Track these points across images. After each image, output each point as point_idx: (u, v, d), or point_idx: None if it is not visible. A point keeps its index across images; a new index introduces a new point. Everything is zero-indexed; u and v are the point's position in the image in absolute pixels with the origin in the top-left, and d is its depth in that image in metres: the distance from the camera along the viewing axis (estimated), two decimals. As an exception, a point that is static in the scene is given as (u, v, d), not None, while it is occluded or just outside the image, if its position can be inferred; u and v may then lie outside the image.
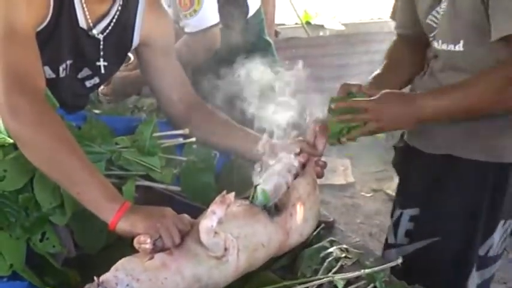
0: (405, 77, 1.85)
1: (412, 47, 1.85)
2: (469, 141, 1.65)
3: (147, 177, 1.64)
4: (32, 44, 1.46)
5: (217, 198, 1.28)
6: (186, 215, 1.39)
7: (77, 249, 1.51)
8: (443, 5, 1.60)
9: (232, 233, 1.33)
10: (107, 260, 1.26)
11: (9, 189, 1.38)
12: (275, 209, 1.49)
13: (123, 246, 1.46)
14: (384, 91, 1.58)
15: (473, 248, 1.70)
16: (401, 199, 1.88)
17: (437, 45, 1.64)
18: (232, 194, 1.29)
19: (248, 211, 1.43)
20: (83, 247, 1.51)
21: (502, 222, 1.69)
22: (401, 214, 1.84)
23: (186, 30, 2.40)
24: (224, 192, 1.29)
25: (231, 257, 1.31)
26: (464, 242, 1.69)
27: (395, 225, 1.84)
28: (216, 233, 1.26)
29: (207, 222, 1.25)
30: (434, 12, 1.63)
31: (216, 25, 2.43)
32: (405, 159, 1.88)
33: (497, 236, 1.70)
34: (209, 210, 1.27)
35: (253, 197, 1.46)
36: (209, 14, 2.39)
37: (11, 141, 1.43)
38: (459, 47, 1.58)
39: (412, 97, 1.61)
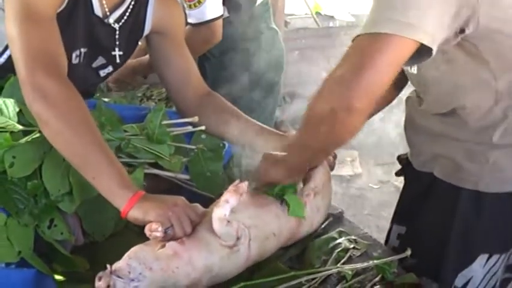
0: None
1: None
2: (445, 161, 1.58)
3: (155, 165, 1.64)
4: (53, 25, 1.45)
5: (231, 187, 1.28)
6: (198, 205, 1.39)
7: (85, 237, 1.51)
8: None
9: (244, 223, 1.34)
10: (115, 248, 1.26)
11: (18, 176, 1.38)
12: None
13: (131, 233, 1.47)
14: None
15: (445, 278, 1.61)
16: (395, 213, 1.84)
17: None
18: (246, 183, 1.29)
19: (260, 201, 1.44)
20: (91, 234, 1.52)
21: (484, 256, 1.58)
22: (391, 229, 1.81)
23: (189, 21, 2.40)
24: (237, 181, 1.29)
25: (243, 246, 1.31)
26: (434, 269, 1.61)
27: (386, 240, 1.80)
28: (228, 222, 1.27)
29: (220, 210, 1.26)
30: None
31: (218, 18, 2.42)
32: (404, 171, 1.83)
33: (478, 269, 1.60)
34: (222, 199, 1.27)
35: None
36: (213, 6, 2.39)
37: (20, 127, 1.43)
38: (413, 70, 1.52)
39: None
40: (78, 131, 1.34)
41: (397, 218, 1.81)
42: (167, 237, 1.28)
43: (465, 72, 1.41)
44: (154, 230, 1.26)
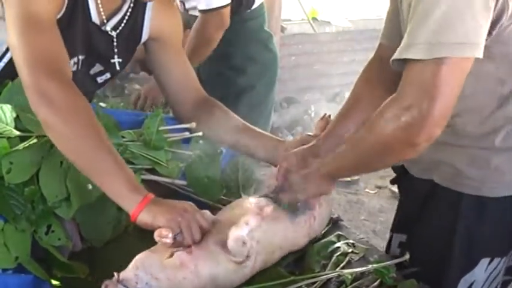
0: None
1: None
2: (445, 168, 1.58)
3: (153, 171, 1.63)
4: (55, 29, 1.45)
5: (254, 209, 1.28)
6: (208, 212, 1.39)
7: (83, 242, 1.51)
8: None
9: (254, 237, 1.33)
10: (115, 253, 1.26)
11: (15, 182, 1.37)
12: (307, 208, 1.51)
13: (130, 238, 1.47)
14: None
15: (449, 284, 1.61)
16: (394, 221, 1.84)
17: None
18: (271, 208, 1.29)
19: (271, 214, 1.42)
20: (90, 240, 1.51)
21: (485, 260, 1.58)
22: (391, 237, 1.80)
23: (199, 7, 2.48)
24: (262, 200, 1.28)
25: (250, 262, 1.31)
26: (437, 275, 1.61)
27: (387, 248, 1.80)
28: (244, 243, 1.27)
29: (239, 231, 1.26)
30: None
31: (227, 5, 2.48)
32: (400, 179, 1.82)
33: (480, 273, 1.60)
34: (243, 219, 1.28)
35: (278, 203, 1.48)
36: None
37: (17, 133, 1.43)
38: None
39: (315, 170, 1.50)
40: (85, 135, 1.34)
41: (396, 227, 1.81)
42: (176, 244, 1.27)
43: (471, 77, 1.42)
44: (165, 236, 1.25)
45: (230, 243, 1.26)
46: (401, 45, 1.30)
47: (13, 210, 1.37)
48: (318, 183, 1.49)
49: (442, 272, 1.61)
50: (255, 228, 1.34)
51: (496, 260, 1.60)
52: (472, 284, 1.61)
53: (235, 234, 1.25)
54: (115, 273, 1.18)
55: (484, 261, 1.59)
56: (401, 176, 1.78)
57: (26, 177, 1.39)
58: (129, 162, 1.59)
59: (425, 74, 1.26)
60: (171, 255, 1.26)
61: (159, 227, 1.28)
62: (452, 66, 1.24)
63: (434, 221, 1.64)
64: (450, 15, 1.23)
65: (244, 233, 1.26)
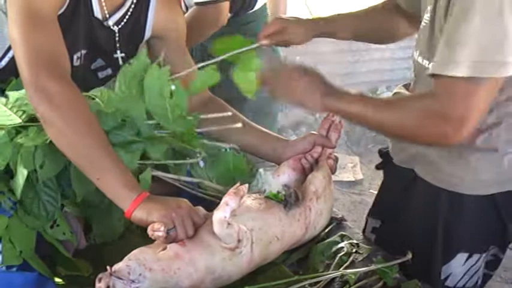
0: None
1: (400, 16, 1.83)
2: (425, 161, 1.60)
3: (158, 168, 1.62)
4: (55, 26, 1.46)
5: (231, 190, 1.28)
6: (201, 208, 1.40)
7: (87, 240, 1.51)
8: (426, 16, 1.51)
9: (246, 226, 1.34)
10: (118, 251, 1.27)
11: (49, 176, 1.40)
12: (295, 200, 1.49)
13: (134, 236, 1.47)
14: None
15: (431, 274, 1.63)
16: (372, 205, 1.86)
17: (415, 55, 1.58)
18: (246, 185, 1.30)
19: (262, 204, 1.44)
20: (100, 236, 1.52)
21: (463, 255, 1.61)
22: (367, 221, 1.82)
23: (195, 0, 2.37)
24: (238, 183, 1.30)
25: (245, 248, 1.32)
26: (422, 263, 1.60)
27: (363, 231, 1.82)
28: (229, 224, 1.27)
29: (221, 213, 1.26)
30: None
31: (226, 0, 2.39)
32: (384, 165, 1.85)
33: (457, 267, 1.62)
34: (222, 201, 1.27)
35: (267, 195, 1.48)
36: None
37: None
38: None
39: (322, 91, 1.52)
40: (83, 132, 1.35)
41: (373, 211, 1.84)
42: (169, 239, 1.29)
43: None
44: (157, 229, 1.27)
45: (215, 227, 1.26)
46: (440, 59, 1.32)
47: (46, 208, 1.39)
48: (314, 98, 1.53)
49: (427, 260, 1.63)
50: (242, 212, 1.36)
51: (476, 256, 1.62)
52: (448, 276, 1.63)
53: (217, 216, 1.26)
54: (108, 267, 1.19)
55: (462, 256, 1.61)
56: (386, 162, 1.81)
57: (58, 169, 1.41)
58: (142, 158, 1.56)
59: (467, 90, 1.29)
60: (165, 249, 1.27)
61: (153, 223, 1.29)
62: (493, 84, 1.29)
63: (415, 211, 1.66)
64: (497, 35, 1.25)
65: (226, 214, 1.25)
